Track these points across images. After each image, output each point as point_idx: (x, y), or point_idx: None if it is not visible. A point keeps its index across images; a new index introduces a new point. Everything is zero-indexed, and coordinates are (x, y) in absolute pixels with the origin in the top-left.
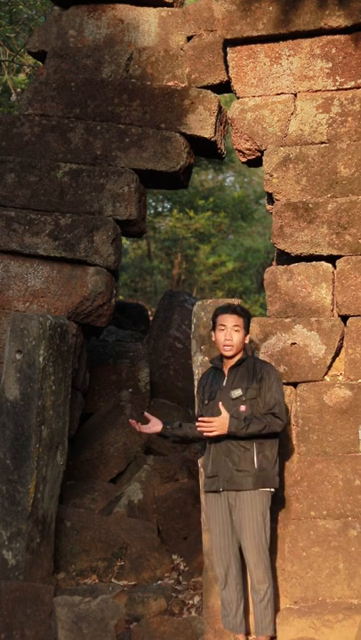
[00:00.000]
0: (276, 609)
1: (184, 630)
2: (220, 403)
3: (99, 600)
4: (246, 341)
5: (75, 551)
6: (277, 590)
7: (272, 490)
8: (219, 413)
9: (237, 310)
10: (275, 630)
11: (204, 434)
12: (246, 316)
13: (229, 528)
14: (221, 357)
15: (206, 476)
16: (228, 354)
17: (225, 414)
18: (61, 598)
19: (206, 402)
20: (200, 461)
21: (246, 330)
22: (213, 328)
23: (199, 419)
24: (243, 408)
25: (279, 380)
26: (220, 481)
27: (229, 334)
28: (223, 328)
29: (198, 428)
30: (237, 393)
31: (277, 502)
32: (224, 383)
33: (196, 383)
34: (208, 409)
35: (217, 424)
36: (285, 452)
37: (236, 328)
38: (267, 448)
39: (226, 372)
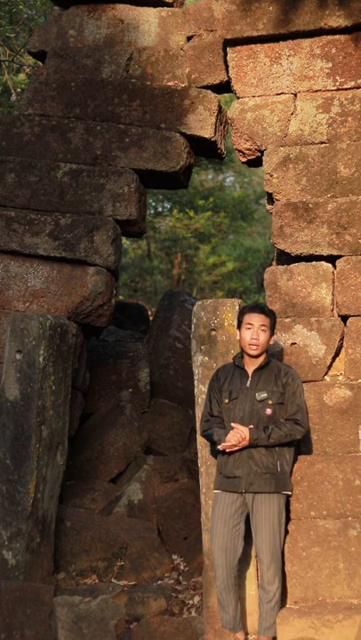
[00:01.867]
0: None
1: (184, 630)
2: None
3: (99, 600)
4: (271, 342)
5: (75, 551)
6: None
7: (289, 493)
8: (240, 412)
9: (265, 310)
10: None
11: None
12: (273, 317)
13: (237, 530)
14: (242, 356)
15: (225, 475)
16: (254, 353)
17: (244, 429)
18: (61, 598)
19: (227, 401)
20: (200, 460)
21: (272, 331)
22: (239, 326)
23: (222, 445)
24: (269, 411)
25: (302, 386)
26: (244, 483)
27: (256, 333)
28: (250, 327)
29: (227, 450)
30: (263, 395)
31: None
32: (248, 384)
33: (195, 383)
34: (229, 409)
35: (235, 441)
36: None
37: (263, 328)
38: (287, 452)
39: (250, 372)
